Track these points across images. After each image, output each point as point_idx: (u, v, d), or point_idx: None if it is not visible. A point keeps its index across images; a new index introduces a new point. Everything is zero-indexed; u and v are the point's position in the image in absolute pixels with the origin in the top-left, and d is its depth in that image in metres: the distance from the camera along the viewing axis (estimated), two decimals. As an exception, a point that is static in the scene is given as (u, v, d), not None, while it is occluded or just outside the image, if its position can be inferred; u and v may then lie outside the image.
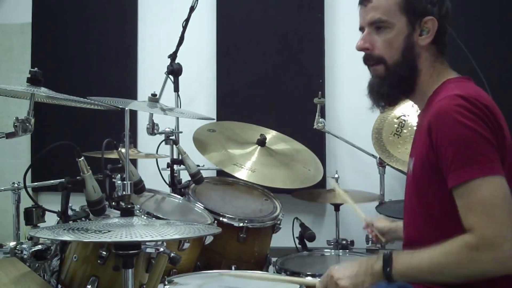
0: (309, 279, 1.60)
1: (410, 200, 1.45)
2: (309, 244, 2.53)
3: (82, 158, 1.58)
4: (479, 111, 1.25)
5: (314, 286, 1.49)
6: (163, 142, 2.53)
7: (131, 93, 3.31)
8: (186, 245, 1.98)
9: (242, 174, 2.50)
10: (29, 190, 1.71)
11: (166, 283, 1.77)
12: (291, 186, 2.60)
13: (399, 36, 1.42)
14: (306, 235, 2.48)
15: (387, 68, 1.45)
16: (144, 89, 3.31)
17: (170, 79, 2.83)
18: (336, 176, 2.72)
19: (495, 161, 1.23)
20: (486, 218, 1.20)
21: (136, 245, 1.34)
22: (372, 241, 2.64)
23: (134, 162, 2.95)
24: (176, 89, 2.86)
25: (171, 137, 2.53)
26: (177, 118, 2.86)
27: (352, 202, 2.13)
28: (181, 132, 2.83)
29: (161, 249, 1.52)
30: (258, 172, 2.53)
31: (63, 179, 1.59)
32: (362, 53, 1.51)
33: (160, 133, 2.55)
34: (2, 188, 1.87)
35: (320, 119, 2.79)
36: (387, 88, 1.46)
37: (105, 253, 1.49)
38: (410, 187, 1.45)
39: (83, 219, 1.66)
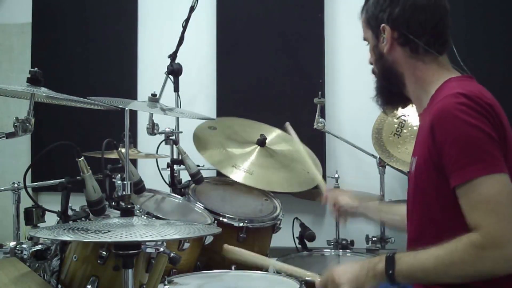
0: (310, 274, 1.59)
1: (412, 199, 1.45)
2: (309, 244, 2.53)
3: (82, 158, 1.58)
4: (482, 109, 1.24)
5: (313, 283, 1.49)
6: (163, 142, 2.53)
7: (131, 93, 3.32)
8: (186, 245, 1.98)
9: (239, 176, 2.48)
10: (29, 190, 1.70)
11: (166, 283, 1.78)
12: (288, 190, 2.59)
13: (372, 48, 1.53)
14: (306, 235, 2.48)
15: (376, 77, 1.56)
16: (144, 89, 3.31)
17: (170, 79, 2.83)
18: (336, 176, 2.72)
19: (499, 159, 1.22)
20: (492, 216, 1.19)
21: (136, 245, 1.34)
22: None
23: (134, 162, 2.95)
24: (176, 89, 2.86)
25: (171, 137, 2.53)
26: (177, 118, 2.86)
27: (308, 159, 2.20)
28: (181, 132, 2.83)
29: (161, 249, 1.52)
30: (255, 175, 2.51)
31: (63, 179, 1.59)
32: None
33: (160, 133, 2.55)
34: (2, 188, 1.87)
35: (320, 119, 2.79)
36: (379, 94, 1.57)
37: (105, 253, 1.49)
38: (412, 186, 1.45)
39: (83, 219, 1.66)
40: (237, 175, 2.49)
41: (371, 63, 1.57)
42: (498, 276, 1.20)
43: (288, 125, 2.45)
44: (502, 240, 1.17)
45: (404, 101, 1.56)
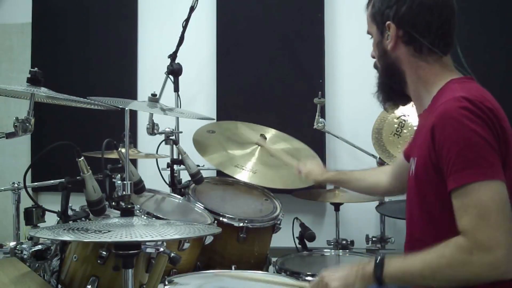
0: (298, 282, 1.60)
1: (412, 200, 1.45)
2: (309, 244, 2.53)
3: (82, 158, 1.58)
4: (484, 114, 1.24)
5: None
6: (163, 142, 2.53)
7: (131, 93, 3.32)
8: (186, 245, 1.98)
9: (243, 175, 2.49)
10: (29, 190, 1.70)
11: (166, 283, 1.78)
12: (292, 187, 2.60)
13: (376, 44, 1.52)
14: (306, 235, 2.49)
15: (378, 73, 1.55)
16: (144, 89, 3.31)
17: (170, 79, 2.83)
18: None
19: (496, 166, 1.22)
20: (481, 222, 1.19)
21: (136, 245, 1.34)
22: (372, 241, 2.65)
23: (134, 162, 2.95)
24: (176, 89, 2.86)
25: (171, 137, 2.53)
26: (177, 118, 2.87)
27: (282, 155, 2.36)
28: (181, 132, 2.83)
29: (161, 249, 1.52)
30: (259, 173, 2.52)
31: (63, 179, 1.59)
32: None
33: (160, 133, 2.55)
34: (2, 188, 1.87)
35: (320, 119, 2.79)
36: (381, 91, 1.56)
37: (105, 253, 1.49)
38: (411, 187, 1.45)
39: (83, 219, 1.66)
40: (241, 175, 2.49)
41: (373, 57, 1.56)
42: (484, 282, 1.20)
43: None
44: (488, 246, 1.17)
45: (405, 99, 1.55)
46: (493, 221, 1.18)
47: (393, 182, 1.79)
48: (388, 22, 1.44)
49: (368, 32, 1.54)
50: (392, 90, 1.54)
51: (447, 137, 1.25)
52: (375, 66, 1.56)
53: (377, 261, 1.31)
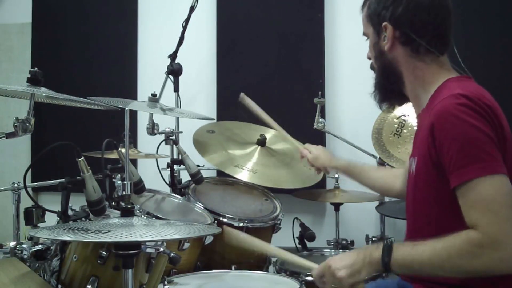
0: (307, 262, 1.58)
1: (412, 200, 1.45)
2: (309, 244, 2.53)
3: (82, 158, 1.58)
4: (482, 110, 1.24)
5: (314, 283, 1.49)
6: (163, 142, 2.53)
7: (131, 93, 3.32)
8: (186, 245, 1.98)
9: (244, 175, 2.49)
10: (29, 190, 1.70)
11: (166, 283, 1.78)
12: (292, 186, 2.60)
13: (373, 45, 1.52)
14: (306, 235, 2.49)
15: (375, 74, 1.55)
16: (144, 89, 3.31)
17: (170, 79, 2.83)
18: (336, 176, 2.72)
19: (498, 160, 1.22)
20: (490, 216, 1.19)
21: (136, 245, 1.34)
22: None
23: (134, 162, 2.95)
24: (176, 89, 2.86)
25: (171, 137, 2.53)
26: (177, 118, 2.87)
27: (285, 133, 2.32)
28: (181, 132, 2.83)
29: (161, 249, 1.52)
30: (259, 173, 2.52)
31: (63, 179, 1.59)
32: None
33: (160, 133, 2.55)
34: (2, 188, 1.87)
35: (320, 119, 2.78)
36: (378, 91, 1.56)
37: (105, 253, 1.49)
38: (411, 186, 1.45)
39: (83, 219, 1.66)
40: (241, 174, 2.49)
41: (369, 58, 1.56)
42: (492, 275, 1.21)
43: (243, 95, 2.49)
44: (499, 240, 1.17)
45: (402, 99, 1.55)
46: (502, 215, 1.19)
47: (404, 188, 1.78)
48: (384, 23, 1.44)
49: (364, 34, 1.55)
50: (389, 90, 1.54)
51: (447, 134, 1.25)
52: (372, 67, 1.57)
53: (385, 247, 1.30)
